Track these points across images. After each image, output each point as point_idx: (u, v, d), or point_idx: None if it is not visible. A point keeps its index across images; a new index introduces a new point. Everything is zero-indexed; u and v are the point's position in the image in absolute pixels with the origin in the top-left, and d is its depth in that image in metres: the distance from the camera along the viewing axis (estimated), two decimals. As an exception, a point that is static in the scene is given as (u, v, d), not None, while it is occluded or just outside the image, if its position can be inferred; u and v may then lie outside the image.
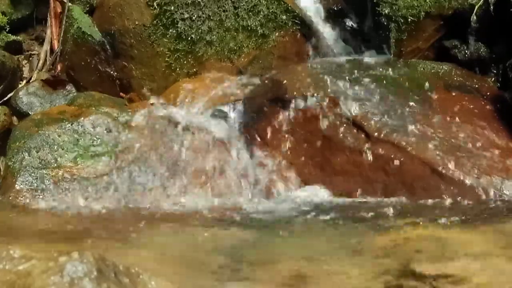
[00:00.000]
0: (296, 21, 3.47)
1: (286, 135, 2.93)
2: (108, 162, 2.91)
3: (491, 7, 3.21)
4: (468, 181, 2.56)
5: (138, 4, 3.39)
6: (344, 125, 2.83)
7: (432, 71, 3.17)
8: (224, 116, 3.15)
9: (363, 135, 2.79)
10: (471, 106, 2.99)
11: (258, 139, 3.00)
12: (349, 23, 3.56)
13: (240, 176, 2.87)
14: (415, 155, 2.67)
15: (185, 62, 3.38)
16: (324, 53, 3.51)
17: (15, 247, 1.22)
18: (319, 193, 2.75)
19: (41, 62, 3.76)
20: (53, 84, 3.49)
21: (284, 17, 3.45)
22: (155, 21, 3.36)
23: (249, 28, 3.42)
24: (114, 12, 3.44)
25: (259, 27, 3.42)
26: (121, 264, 1.24)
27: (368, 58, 3.31)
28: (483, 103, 3.02)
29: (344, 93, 2.93)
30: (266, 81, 3.22)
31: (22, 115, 3.36)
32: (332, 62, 3.29)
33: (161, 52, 3.37)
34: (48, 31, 3.81)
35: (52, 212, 2.68)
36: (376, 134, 2.77)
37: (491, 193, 2.52)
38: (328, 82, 3.02)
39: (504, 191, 2.52)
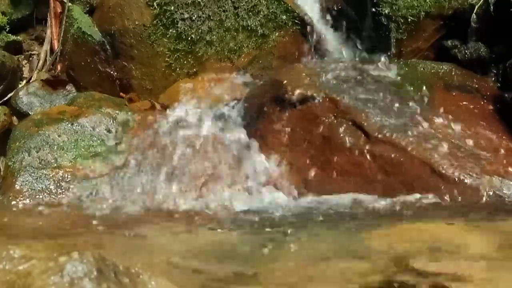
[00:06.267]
0: (296, 21, 3.47)
1: (286, 135, 2.93)
2: (107, 162, 2.91)
3: (491, 7, 3.21)
4: (468, 181, 2.56)
5: (138, 4, 3.39)
6: (344, 125, 2.83)
7: (432, 71, 3.17)
8: (224, 116, 3.15)
9: (363, 135, 2.79)
10: (471, 106, 2.99)
11: (258, 139, 3.00)
12: (349, 23, 3.56)
13: (240, 176, 2.87)
14: (415, 155, 2.67)
15: (185, 62, 3.38)
16: (324, 53, 3.51)
17: (15, 247, 1.22)
18: (319, 193, 2.75)
19: (41, 62, 3.76)
20: (53, 84, 3.49)
21: (284, 17, 3.45)
22: (155, 21, 3.36)
23: (249, 28, 3.42)
24: (114, 12, 3.44)
25: (259, 27, 3.42)
26: (121, 264, 1.24)
27: (368, 58, 3.31)
28: (483, 103, 3.02)
29: (344, 93, 2.93)
30: (266, 81, 3.23)
31: (22, 115, 3.36)
32: (332, 62, 3.29)
33: (161, 52, 3.37)
34: (48, 31, 3.80)
35: (52, 212, 2.68)
36: (376, 134, 2.77)
37: (491, 193, 2.52)
38: (328, 82, 3.02)
39: (504, 191, 2.52)
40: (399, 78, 3.09)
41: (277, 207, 2.64)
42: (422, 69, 3.18)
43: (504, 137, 2.82)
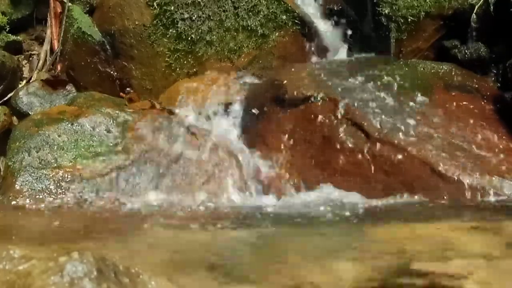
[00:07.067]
0: (296, 21, 3.47)
1: (286, 135, 2.94)
2: (107, 162, 2.91)
3: (491, 7, 3.22)
4: (468, 181, 2.56)
5: (138, 4, 3.39)
6: (344, 125, 2.83)
7: (432, 71, 3.17)
8: (224, 116, 3.15)
9: (363, 135, 2.79)
10: (471, 106, 2.99)
11: (258, 139, 3.00)
12: (349, 23, 3.56)
13: (240, 176, 2.87)
14: (415, 155, 2.67)
15: (185, 62, 3.38)
16: (324, 53, 3.51)
17: (15, 247, 1.22)
18: (319, 193, 2.75)
19: (41, 62, 3.76)
20: (53, 84, 3.49)
21: (284, 17, 3.45)
22: (155, 21, 3.36)
23: (249, 28, 3.42)
24: (114, 12, 3.44)
25: (259, 27, 3.43)
26: (121, 264, 1.24)
27: (368, 58, 3.31)
28: (483, 103, 3.02)
29: (344, 93, 2.94)
30: (266, 81, 3.23)
31: (22, 115, 3.36)
32: (332, 62, 3.29)
33: (161, 52, 3.37)
34: (48, 31, 3.80)
35: (52, 212, 2.68)
36: (376, 134, 2.77)
37: (491, 193, 2.52)
38: (328, 82, 3.02)
39: (504, 191, 2.52)
40: (399, 78, 3.09)
41: (277, 207, 2.64)
42: (422, 69, 3.17)
43: (504, 137, 2.82)
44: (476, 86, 3.12)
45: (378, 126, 2.79)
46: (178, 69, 3.38)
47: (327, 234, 2.22)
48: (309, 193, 2.78)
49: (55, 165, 2.89)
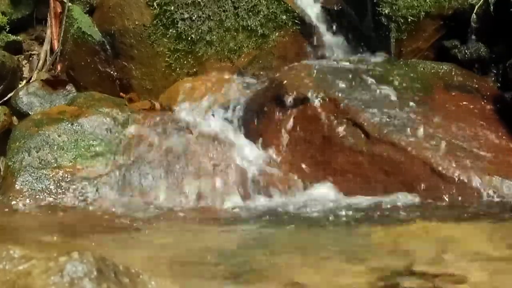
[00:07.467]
0: (296, 21, 3.47)
1: (286, 135, 2.93)
2: (107, 162, 2.91)
3: (491, 7, 3.22)
4: (468, 181, 2.56)
5: (138, 4, 3.39)
6: (344, 125, 2.83)
7: (432, 71, 3.17)
8: (224, 116, 3.15)
9: (363, 135, 2.79)
10: (471, 106, 2.99)
11: (258, 138, 3.00)
12: (349, 23, 3.56)
13: (240, 176, 2.87)
14: (415, 155, 2.67)
15: (185, 62, 3.38)
16: (324, 53, 3.51)
17: (15, 247, 1.22)
18: (319, 193, 2.75)
19: (41, 62, 3.76)
20: (53, 84, 3.49)
21: (284, 17, 3.45)
22: (155, 21, 3.36)
23: (249, 28, 3.42)
24: (114, 12, 3.45)
25: (259, 27, 3.43)
26: (121, 264, 1.24)
27: (368, 58, 3.31)
28: (483, 103, 3.02)
29: (344, 93, 2.94)
30: (266, 81, 3.23)
31: (22, 115, 3.36)
32: (332, 62, 3.29)
33: (161, 52, 3.37)
34: (48, 31, 3.80)
35: (52, 212, 2.68)
36: (376, 134, 2.77)
37: (491, 193, 2.52)
38: (328, 82, 3.02)
39: (504, 191, 2.52)
40: (399, 78, 3.09)
41: (277, 207, 2.64)
42: (422, 69, 3.18)
43: (504, 137, 2.82)
44: (476, 86, 3.12)
45: (378, 126, 2.79)
46: (178, 69, 3.38)
47: (326, 234, 2.22)
48: (308, 193, 2.78)
49: (55, 165, 2.89)
